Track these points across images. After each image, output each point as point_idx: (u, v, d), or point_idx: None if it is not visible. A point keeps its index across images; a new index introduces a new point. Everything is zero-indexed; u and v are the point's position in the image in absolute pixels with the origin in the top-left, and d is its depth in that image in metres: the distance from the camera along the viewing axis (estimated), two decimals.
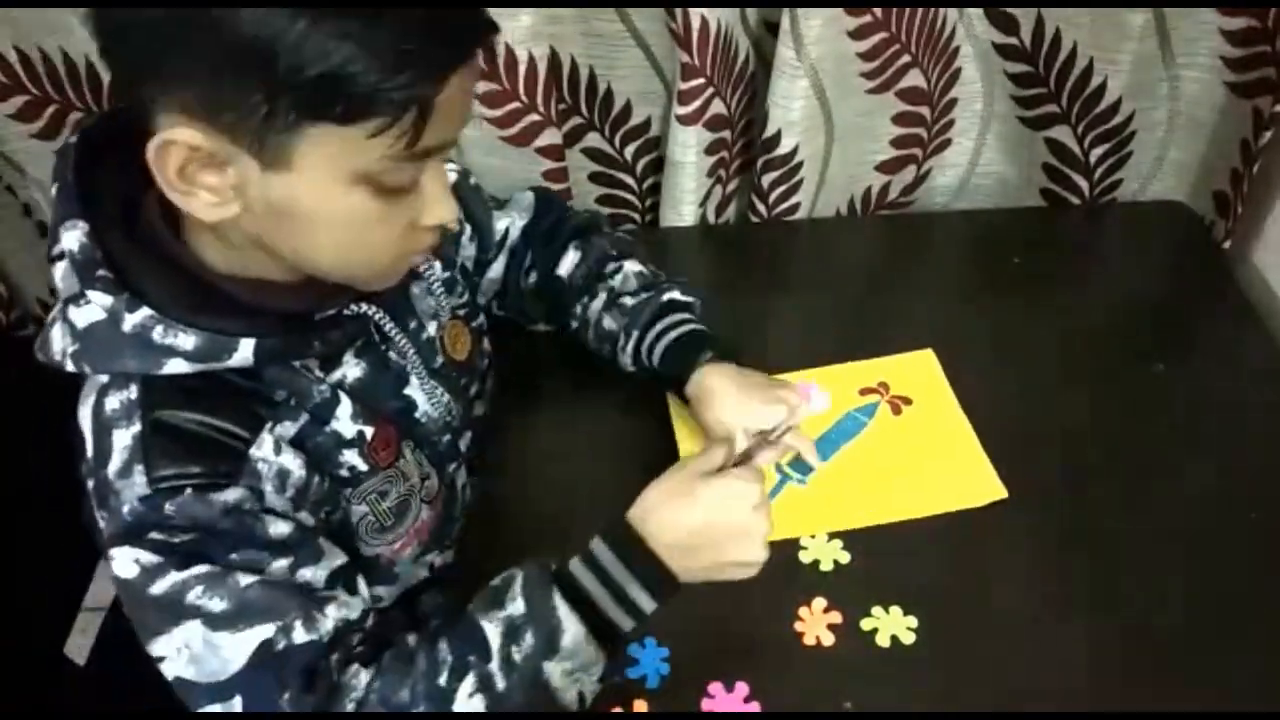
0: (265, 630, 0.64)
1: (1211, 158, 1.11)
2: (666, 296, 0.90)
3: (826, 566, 0.81)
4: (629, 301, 0.90)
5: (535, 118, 1.02)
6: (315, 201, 0.62)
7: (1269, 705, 0.72)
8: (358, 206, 0.63)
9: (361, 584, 0.72)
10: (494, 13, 0.93)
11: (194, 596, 0.63)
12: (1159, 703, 0.72)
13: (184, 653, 0.64)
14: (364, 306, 0.74)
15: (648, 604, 0.68)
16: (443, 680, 0.66)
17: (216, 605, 0.64)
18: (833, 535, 0.83)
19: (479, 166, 1.06)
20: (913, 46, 1.03)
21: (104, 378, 0.66)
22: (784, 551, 0.82)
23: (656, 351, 0.88)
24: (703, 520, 0.68)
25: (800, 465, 0.87)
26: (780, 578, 0.80)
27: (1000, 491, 0.85)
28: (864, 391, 0.94)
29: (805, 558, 0.82)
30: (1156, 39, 1.03)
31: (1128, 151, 1.12)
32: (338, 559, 0.71)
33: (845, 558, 0.81)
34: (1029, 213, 1.17)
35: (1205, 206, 1.14)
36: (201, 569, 0.64)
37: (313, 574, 0.68)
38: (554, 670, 0.66)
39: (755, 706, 0.74)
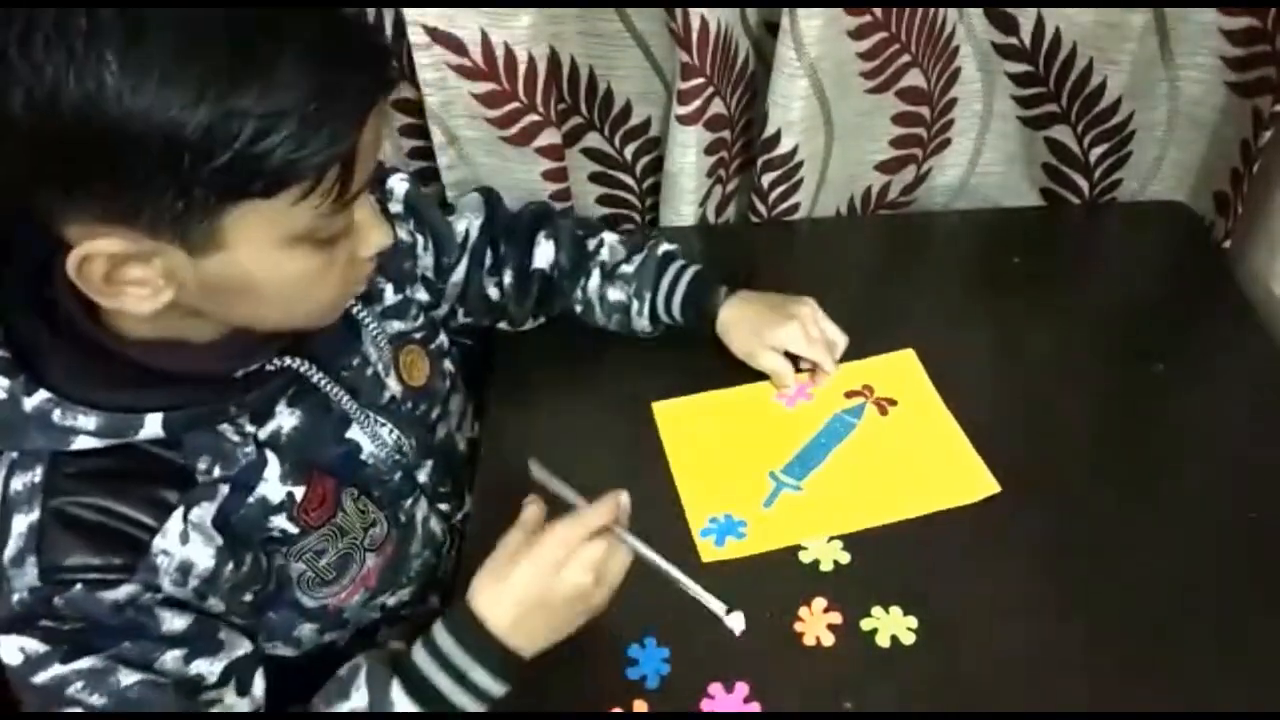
0: None
1: (1211, 158, 1.11)
2: (660, 251, 0.95)
3: (826, 567, 0.81)
4: (627, 269, 0.94)
5: (535, 118, 1.02)
6: (254, 272, 0.61)
7: (1269, 705, 0.72)
8: (300, 265, 0.62)
9: (257, 682, 0.71)
10: (495, 12, 0.93)
11: (74, 690, 0.63)
12: (1159, 703, 0.72)
13: None
14: (288, 360, 0.71)
15: (493, 686, 0.67)
16: None
17: (96, 700, 0.63)
18: (833, 536, 0.83)
19: (479, 167, 1.06)
20: (913, 46, 1.03)
21: (15, 454, 0.64)
22: (784, 551, 0.82)
23: (675, 306, 0.93)
24: (527, 582, 0.67)
25: (794, 471, 0.87)
26: (780, 578, 0.81)
27: (993, 486, 0.86)
28: (849, 394, 0.94)
29: (805, 558, 0.82)
30: (1156, 39, 1.03)
31: (1128, 151, 1.12)
32: (239, 650, 0.69)
33: (845, 558, 0.81)
34: (1029, 213, 1.17)
35: (1205, 206, 1.14)
36: (85, 664, 0.63)
37: (208, 667, 0.67)
38: None
39: (755, 706, 0.74)
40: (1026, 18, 1.03)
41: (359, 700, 0.66)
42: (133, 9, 0.51)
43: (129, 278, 0.59)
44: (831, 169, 1.13)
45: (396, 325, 0.84)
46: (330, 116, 0.56)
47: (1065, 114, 1.09)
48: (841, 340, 0.93)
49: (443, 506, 0.89)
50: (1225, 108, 1.07)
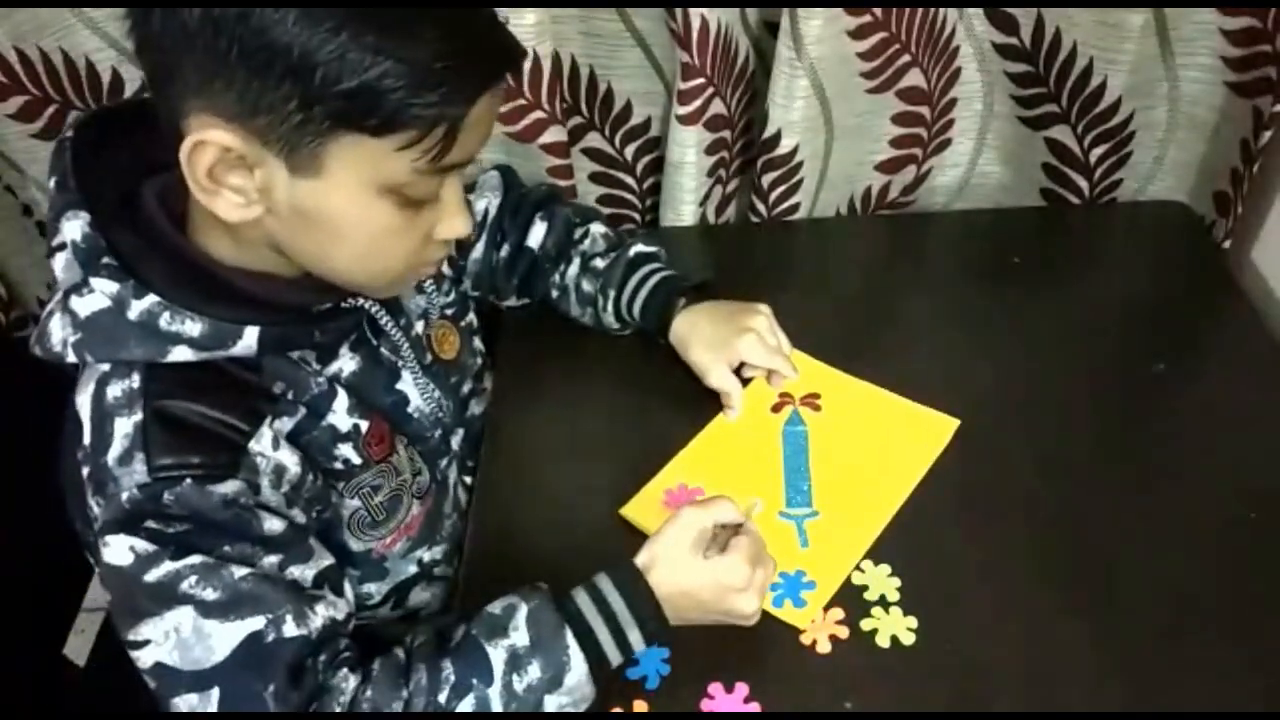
0: (256, 622, 0.65)
1: (1211, 158, 1.11)
2: (633, 251, 0.95)
3: (878, 593, 0.79)
4: (600, 264, 0.95)
5: (540, 114, 1.02)
6: (341, 208, 0.63)
7: (1269, 705, 0.72)
8: (381, 216, 0.64)
9: (348, 587, 0.73)
10: (500, 12, 0.93)
11: (188, 585, 0.64)
12: (1159, 703, 0.72)
13: (171, 637, 0.64)
14: (359, 300, 0.75)
15: (640, 645, 0.71)
16: (442, 697, 0.67)
17: (209, 594, 0.64)
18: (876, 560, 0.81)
19: (485, 163, 1.06)
20: (913, 46, 1.03)
21: (105, 366, 0.66)
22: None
23: (635, 307, 0.93)
24: (700, 584, 0.72)
25: (797, 501, 0.86)
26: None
27: (953, 422, 0.89)
28: (776, 408, 0.93)
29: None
30: (1156, 39, 1.03)
31: (1128, 151, 1.12)
32: (325, 560, 0.71)
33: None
34: (1029, 213, 1.17)
35: (1205, 206, 1.14)
36: (196, 559, 0.64)
37: (301, 573, 0.69)
38: (552, 703, 0.68)
39: (755, 706, 0.74)
40: (1026, 18, 1.03)
41: (518, 639, 0.69)
42: None
43: (229, 182, 0.62)
44: (831, 169, 1.13)
45: (430, 298, 0.87)
46: (454, 79, 0.59)
47: (1065, 114, 1.09)
48: (788, 347, 0.93)
49: (467, 479, 0.92)
50: (1225, 108, 1.07)
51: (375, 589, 0.85)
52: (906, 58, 1.04)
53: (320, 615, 0.68)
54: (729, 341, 0.90)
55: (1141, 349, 0.97)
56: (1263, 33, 0.99)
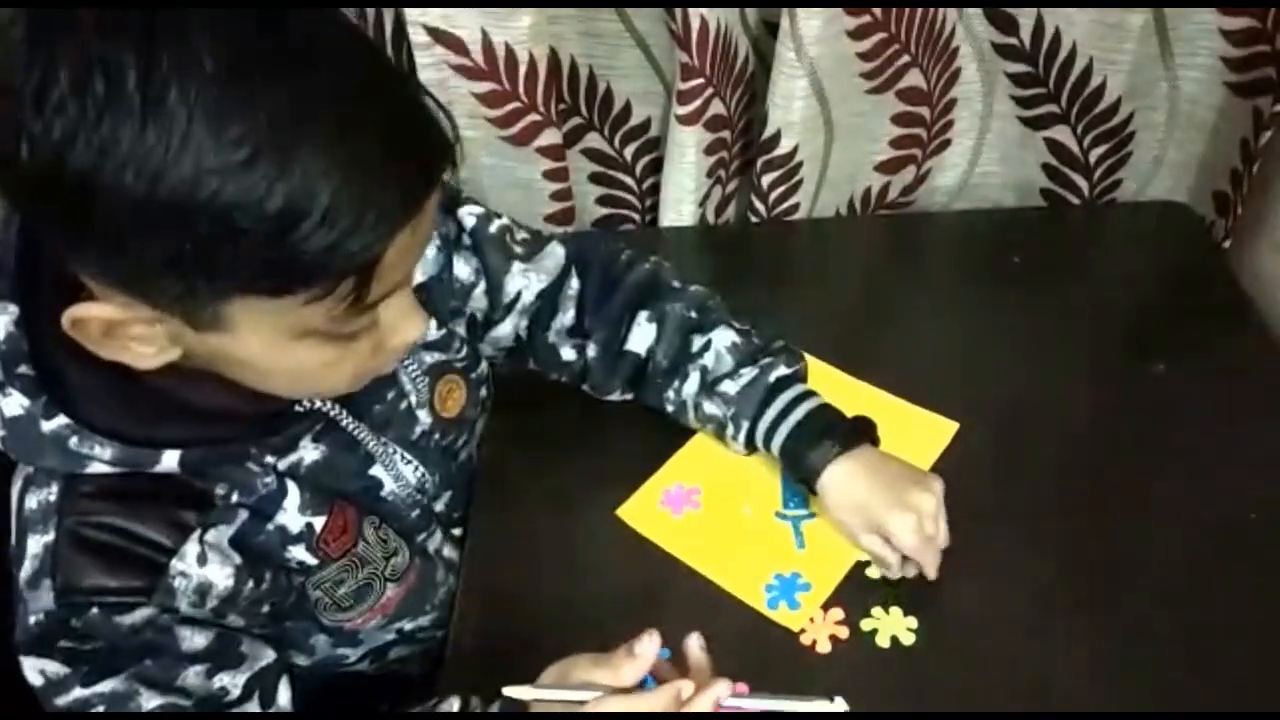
0: None
1: (1211, 158, 1.11)
2: (772, 377, 0.81)
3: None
4: (730, 388, 0.82)
5: (535, 118, 1.02)
6: (262, 356, 0.57)
7: (1269, 705, 0.72)
8: (309, 355, 0.57)
9: (282, 691, 0.70)
10: (496, 12, 0.92)
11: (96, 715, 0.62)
12: (1159, 703, 0.72)
13: None
14: (318, 403, 0.68)
15: None
16: None
17: None
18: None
19: (480, 167, 1.06)
20: (912, 46, 1.03)
21: (30, 469, 0.63)
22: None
23: (775, 443, 0.81)
24: None
25: (794, 502, 0.85)
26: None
27: (952, 425, 0.89)
28: None
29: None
30: (1156, 39, 1.03)
31: (1128, 151, 1.12)
32: (261, 660, 0.68)
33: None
34: (1029, 213, 1.17)
35: (1205, 206, 1.14)
36: (106, 686, 0.62)
37: (231, 680, 0.66)
38: None
39: None
40: (1026, 18, 1.03)
41: None
42: (156, 77, 0.46)
43: (132, 334, 0.56)
44: (831, 169, 1.13)
45: (437, 356, 0.79)
46: (356, 222, 0.49)
47: (1065, 114, 1.09)
48: (945, 539, 0.77)
49: (455, 531, 0.87)
50: (1225, 108, 1.07)
51: (350, 653, 0.81)
52: (906, 58, 1.04)
53: None
54: (885, 513, 0.76)
55: (1141, 349, 0.97)
56: (1262, 33, 0.99)
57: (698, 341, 0.84)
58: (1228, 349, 0.98)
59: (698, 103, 1.01)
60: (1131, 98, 1.06)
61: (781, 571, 0.80)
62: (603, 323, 0.85)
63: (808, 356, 0.87)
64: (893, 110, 1.09)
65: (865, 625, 0.77)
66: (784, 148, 1.06)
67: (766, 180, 1.10)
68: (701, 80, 0.99)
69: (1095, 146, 1.11)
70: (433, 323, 0.76)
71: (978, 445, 0.89)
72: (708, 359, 0.83)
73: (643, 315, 0.84)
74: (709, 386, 0.83)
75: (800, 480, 0.81)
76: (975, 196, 1.21)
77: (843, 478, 0.78)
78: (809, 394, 0.82)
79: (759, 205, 1.13)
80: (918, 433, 0.89)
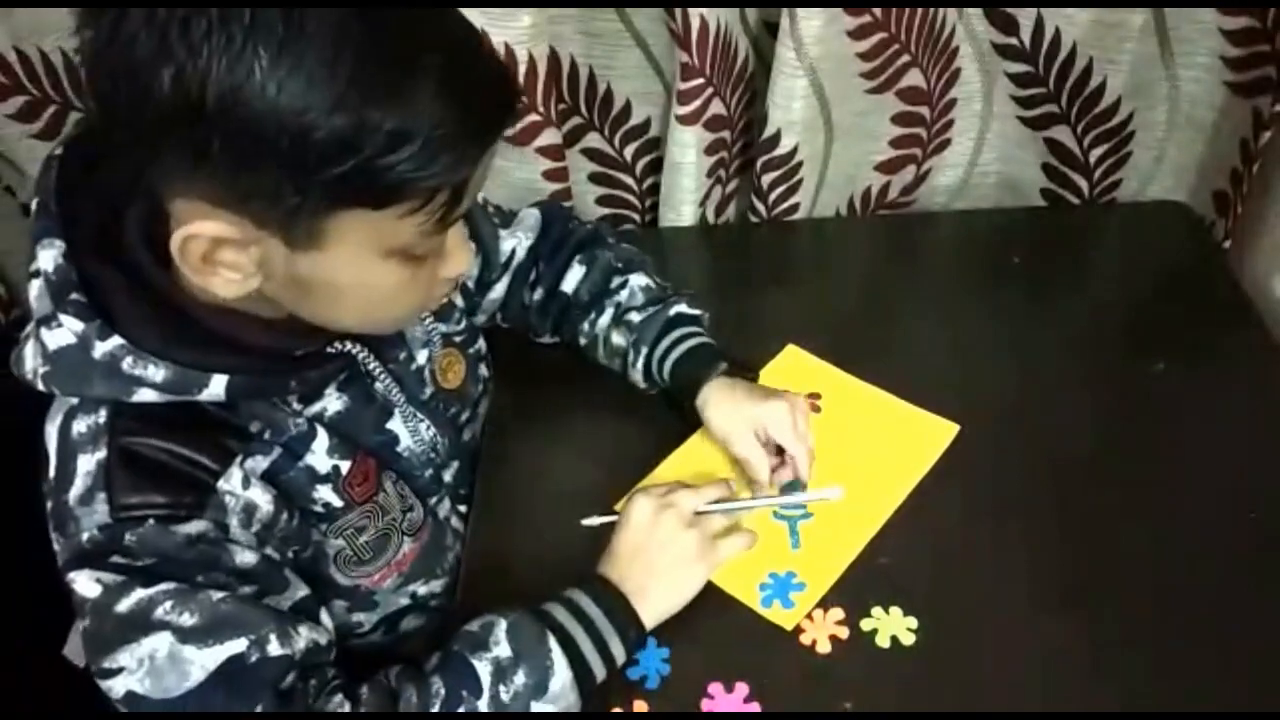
0: (237, 644, 0.63)
1: (1211, 158, 1.11)
2: (674, 310, 0.89)
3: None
4: (635, 318, 0.89)
5: (535, 118, 1.02)
6: (346, 276, 0.62)
7: (1269, 705, 0.72)
8: (389, 277, 0.63)
9: (325, 616, 0.71)
10: (495, 12, 0.93)
11: (163, 611, 0.62)
12: (1159, 703, 0.72)
13: (144, 665, 0.62)
14: (347, 345, 0.73)
15: (620, 656, 0.72)
16: (435, 711, 0.67)
17: (187, 619, 0.62)
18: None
19: None
20: (912, 46, 1.03)
21: (74, 400, 0.64)
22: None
23: (666, 367, 0.88)
24: (627, 545, 0.76)
25: (795, 505, 0.85)
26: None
27: (952, 427, 0.89)
28: None
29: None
30: (1156, 39, 1.03)
31: (1128, 151, 1.12)
32: (301, 591, 0.70)
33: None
34: (1029, 213, 1.18)
35: (1205, 206, 1.14)
36: (169, 585, 0.63)
37: (277, 603, 0.68)
38: (538, 711, 0.68)
39: (755, 706, 0.74)
40: (1026, 18, 1.03)
41: (501, 651, 0.69)
42: (295, 11, 0.52)
43: (224, 260, 0.59)
44: (831, 169, 1.13)
45: (437, 325, 0.85)
46: (454, 147, 0.57)
47: (1065, 114, 1.09)
48: (812, 443, 0.84)
49: (461, 508, 0.90)
50: (1225, 108, 1.07)
51: (365, 618, 0.82)
52: (906, 58, 1.04)
53: (304, 637, 0.67)
54: (756, 406, 0.83)
55: (1141, 349, 0.97)
56: (1262, 33, 0.99)
57: (616, 280, 0.92)
58: (1228, 349, 0.99)
59: (698, 103, 1.01)
60: (1131, 97, 1.06)
61: (776, 570, 0.81)
62: (550, 269, 0.93)
63: (808, 354, 0.93)
64: (893, 110, 1.09)
65: (865, 625, 0.77)
66: (784, 147, 1.06)
67: (766, 180, 1.10)
68: (701, 80, 0.99)
69: (1095, 146, 1.11)
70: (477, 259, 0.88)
71: (976, 443, 0.89)
72: (623, 295, 0.91)
73: (576, 259, 0.93)
74: (619, 317, 0.90)
75: (683, 397, 0.87)
76: (975, 196, 1.21)
77: (722, 388, 0.86)
78: (704, 333, 0.89)
79: (759, 205, 1.13)
80: (918, 434, 0.89)
